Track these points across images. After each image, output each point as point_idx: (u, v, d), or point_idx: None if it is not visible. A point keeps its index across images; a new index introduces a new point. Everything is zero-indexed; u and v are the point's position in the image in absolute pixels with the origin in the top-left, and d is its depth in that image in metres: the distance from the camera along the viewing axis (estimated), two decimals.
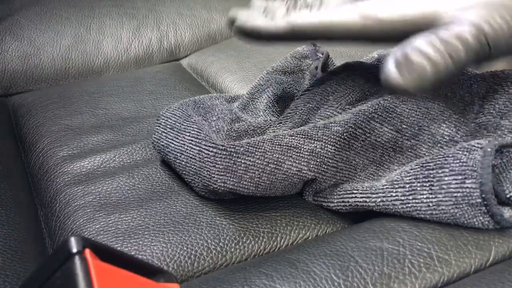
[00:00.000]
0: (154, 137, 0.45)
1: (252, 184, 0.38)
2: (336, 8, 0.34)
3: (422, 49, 0.31)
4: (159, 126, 0.45)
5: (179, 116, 0.44)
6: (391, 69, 0.31)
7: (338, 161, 0.40)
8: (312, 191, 0.41)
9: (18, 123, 0.57)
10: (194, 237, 0.38)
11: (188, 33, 0.74)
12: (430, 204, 0.35)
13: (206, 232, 0.38)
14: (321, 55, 0.55)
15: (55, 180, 0.46)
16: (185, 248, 0.37)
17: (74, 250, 0.24)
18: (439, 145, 0.41)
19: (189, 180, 0.41)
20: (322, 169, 0.39)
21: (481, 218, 0.34)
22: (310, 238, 0.39)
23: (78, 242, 0.24)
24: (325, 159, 0.39)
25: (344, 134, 0.39)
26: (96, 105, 0.56)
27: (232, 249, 0.37)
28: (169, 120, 0.44)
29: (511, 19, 0.32)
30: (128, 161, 0.47)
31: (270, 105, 0.49)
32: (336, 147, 0.39)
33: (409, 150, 0.41)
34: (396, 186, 0.37)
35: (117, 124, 0.53)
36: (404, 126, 0.41)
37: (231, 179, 0.38)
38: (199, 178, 0.39)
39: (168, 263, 0.36)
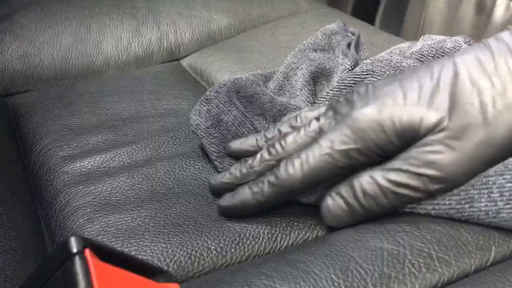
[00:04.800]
0: (194, 114, 0.47)
1: None
2: (306, 152, 0.36)
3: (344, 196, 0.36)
4: (201, 105, 0.47)
5: (222, 104, 0.46)
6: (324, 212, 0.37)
7: None
8: None
9: (18, 123, 0.57)
10: (194, 237, 0.38)
11: (188, 33, 0.74)
12: (490, 213, 0.33)
13: (206, 233, 0.38)
14: (350, 34, 0.55)
15: (55, 180, 0.45)
16: (185, 249, 0.37)
17: (74, 250, 0.24)
18: None
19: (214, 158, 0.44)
20: None
21: None
22: (310, 238, 0.39)
23: (78, 242, 0.24)
24: None
25: None
26: (96, 105, 0.56)
27: (232, 250, 0.37)
28: (212, 104, 0.46)
29: None
30: (128, 161, 0.47)
31: (306, 84, 0.50)
32: None
33: None
34: (449, 193, 0.35)
35: (117, 124, 0.53)
36: None
37: None
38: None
39: (168, 264, 0.36)
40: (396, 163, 0.34)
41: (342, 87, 0.47)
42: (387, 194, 0.34)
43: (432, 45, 0.48)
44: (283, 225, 0.39)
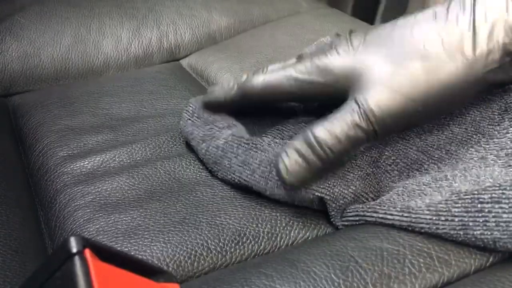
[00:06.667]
0: (182, 123, 0.48)
1: (262, 179, 0.39)
2: (274, 73, 0.42)
3: (300, 151, 0.37)
4: (186, 113, 0.48)
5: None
6: (280, 168, 0.37)
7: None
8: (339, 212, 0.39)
9: (18, 123, 0.57)
10: (194, 237, 0.38)
11: (188, 33, 0.74)
12: (485, 240, 0.33)
13: (206, 232, 0.38)
14: None
15: (55, 180, 0.46)
16: (185, 248, 0.37)
17: (74, 250, 0.24)
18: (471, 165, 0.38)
19: (211, 168, 0.44)
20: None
21: None
22: (310, 238, 0.39)
23: (78, 242, 0.24)
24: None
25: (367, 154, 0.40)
26: (96, 105, 0.56)
27: (232, 249, 0.37)
28: (195, 110, 0.47)
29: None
30: (128, 161, 0.47)
31: None
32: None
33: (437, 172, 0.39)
34: (443, 218, 0.34)
35: (117, 124, 0.53)
36: (430, 148, 0.40)
37: (246, 171, 0.40)
38: (219, 167, 0.43)
39: (168, 263, 0.36)
40: (344, 106, 0.37)
41: None
42: (340, 137, 0.36)
43: None
44: (283, 224, 0.39)
